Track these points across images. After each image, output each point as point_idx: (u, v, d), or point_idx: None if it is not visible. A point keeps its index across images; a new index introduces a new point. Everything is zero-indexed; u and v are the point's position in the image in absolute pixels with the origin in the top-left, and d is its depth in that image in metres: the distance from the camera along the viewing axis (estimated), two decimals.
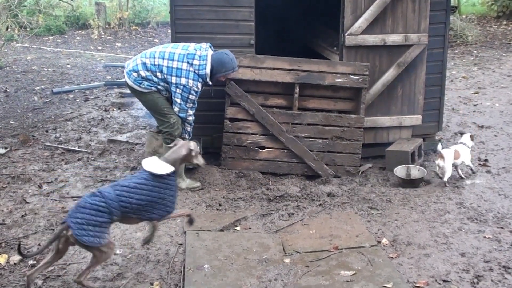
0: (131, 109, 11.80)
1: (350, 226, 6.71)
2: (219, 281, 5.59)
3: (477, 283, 5.54)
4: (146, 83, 7.42)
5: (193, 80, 7.30)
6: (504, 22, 23.29)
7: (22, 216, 7.02)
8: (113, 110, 11.80)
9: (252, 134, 8.24)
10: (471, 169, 8.24)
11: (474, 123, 10.51)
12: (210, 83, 7.50)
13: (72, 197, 7.59)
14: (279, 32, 11.85)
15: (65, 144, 9.67)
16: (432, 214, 6.99)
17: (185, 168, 7.90)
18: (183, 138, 7.43)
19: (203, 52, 7.37)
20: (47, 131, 10.43)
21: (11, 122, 11.04)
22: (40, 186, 7.91)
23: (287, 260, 5.97)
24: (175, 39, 8.23)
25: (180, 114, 7.53)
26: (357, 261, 5.90)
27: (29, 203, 7.42)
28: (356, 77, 8.23)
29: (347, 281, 5.55)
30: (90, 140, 9.90)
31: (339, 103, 8.44)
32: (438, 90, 9.06)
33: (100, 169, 8.56)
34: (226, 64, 7.47)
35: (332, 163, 8.28)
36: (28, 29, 17.99)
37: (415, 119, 8.79)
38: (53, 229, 6.64)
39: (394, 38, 8.45)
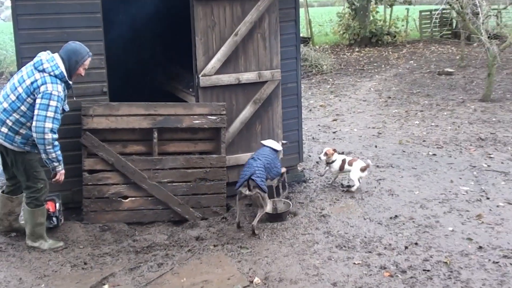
0: None
1: (221, 269, 6.61)
2: None
3: None
4: (18, 139, 6.78)
5: (52, 83, 6.62)
6: (356, 49, 24.35)
7: None
8: None
9: (113, 184, 8.00)
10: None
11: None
12: (71, 82, 6.97)
13: None
14: (134, 77, 11.67)
15: None
16: (301, 246, 7.02)
17: (46, 228, 7.54)
18: (53, 169, 7.03)
19: (48, 56, 6.79)
20: None
21: None
22: None
23: None
24: None
25: (36, 129, 6.57)
26: None
27: None
28: (214, 117, 8.20)
29: None
30: None
31: (200, 144, 8.37)
32: (296, 122, 9.20)
33: None
34: (79, 50, 6.99)
35: (198, 205, 8.17)
36: None
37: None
38: None
39: (248, 76, 8.52)
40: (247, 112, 8.59)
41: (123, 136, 8.10)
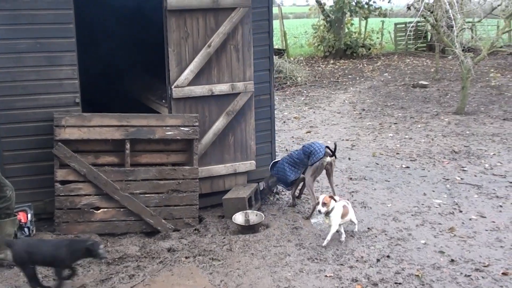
0: None
1: (193, 281, 6.60)
2: None
3: None
4: None
5: None
6: (331, 61, 24.47)
7: None
8: None
9: (86, 195, 7.96)
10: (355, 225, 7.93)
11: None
12: None
13: None
14: (108, 87, 11.64)
15: None
16: (273, 259, 7.03)
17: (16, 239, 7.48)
18: None
19: None
20: None
21: None
22: None
23: None
24: None
25: None
26: None
27: None
28: (187, 129, 8.21)
29: None
30: None
31: (172, 155, 8.37)
32: (269, 134, 9.23)
33: None
34: None
35: (170, 217, 8.16)
36: None
37: (249, 165, 8.89)
38: None
39: (221, 88, 8.54)
40: (220, 123, 8.61)
41: (95, 147, 8.08)
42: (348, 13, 26.08)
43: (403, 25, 27.93)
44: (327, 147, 8.65)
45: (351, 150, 11.78)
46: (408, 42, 27.21)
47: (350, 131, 13.52)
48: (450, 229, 7.80)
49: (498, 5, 17.56)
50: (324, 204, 7.37)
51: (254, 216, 8.15)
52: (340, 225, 7.48)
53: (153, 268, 6.99)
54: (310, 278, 6.53)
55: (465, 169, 10.43)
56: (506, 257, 6.95)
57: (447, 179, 9.88)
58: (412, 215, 8.34)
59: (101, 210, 7.99)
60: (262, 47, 8.94)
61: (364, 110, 15.83)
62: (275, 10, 25.86)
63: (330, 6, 26.11)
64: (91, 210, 7.95)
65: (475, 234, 7.65)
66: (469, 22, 19.07)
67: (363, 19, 27.70)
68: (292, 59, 24.24)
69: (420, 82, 19.04)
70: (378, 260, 6.92)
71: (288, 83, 20.02)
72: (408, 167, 10.64)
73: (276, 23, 24.34)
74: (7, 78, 7.81)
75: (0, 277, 6.78)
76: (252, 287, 6.37)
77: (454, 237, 7.57)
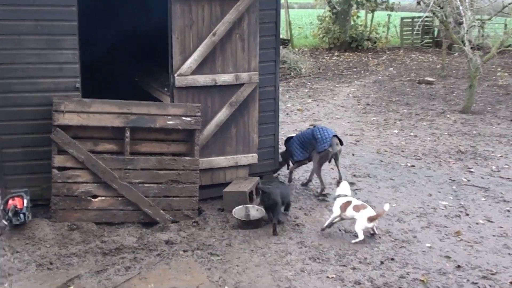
0: None
1: (190, 276, 6.42)
2: None
3: None
4: None
5: None
6: (336, 54, 24.21)
7: None
8: None
9: (83, 182, 7.77)
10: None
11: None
12: None
13: None
14: (110, 74, 11.41)
15: None
16: (273, 256, 6.84)
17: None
18: None
19: None
20: None
21: None
22: None
23: None
24: None
25: None
26: None
27: None
28: (188, 119, 8.00)
29: None
30: None
31: (173, 145, 8.16)
32: (273, 127, 9.02)
33: None
34: None
35: (169, 208, 7.97)
36: None
37: (251, 158, 8.69)
38: None
39: (225, 78, 8.33)
40: (222, 114, 8.40)
41: (94, 134, 7.88)
42: (355, 6, 25.80)
43: (410, 20, 27.62)
44: (336, 135, 8.71)
45: (355, 146, 11.56)
46: (415, 37, 26.91)
47: (354, 126, 13.31)
48: (457, 233, 7.59)
49: (510, 3, 17.25)
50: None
51: (254, 211, 7.95)
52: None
53: (150, 260, 6.81)
54: (312, 278, 6.34)
55: (471, 170, 10.21)
56: None
57: (453, 180, 9.67)
58: (417, 216, 8.14)
59: (99, 198, 7.80)
60: (268, 37, 8.72)
61: (368, 104, 15.60)
62: None
63: None
64: (88, 198, 7.77)
65: (482, 239, 7.44)
66: (478, 19, 18.79)
67: (370, 12, 27.38)
68: (296, 49, 23.98)
69: (426, 78, 18.79)
70: (382, 263, 6.72)
71: (292, 74, 19.77)
72: (413, 165, 10.42)
73: (281, 13, 24.09)
74: (6, 60, 7.61)
75: None
76: (251, 286, 6.18)
77: (460, 242, 7.36)
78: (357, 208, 7.35)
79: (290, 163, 9.45)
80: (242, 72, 8.41)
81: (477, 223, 7.93)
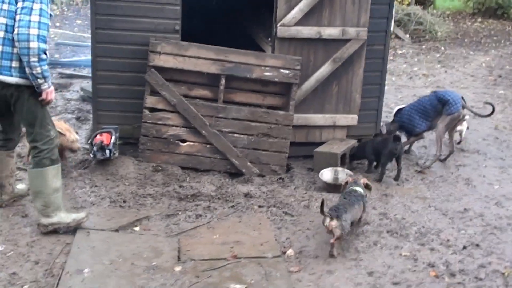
0: (67, 90, 11.20)
1: (258, 233, 6.20)
2: None
3: None
4: (16, 67, 5.52)
5: None
6: (479, 19, 22.85)
7: None
8: None
9: (173, 126, 7.71)
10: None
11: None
12: None
13: None
14: (226, 22, 11.28)
15: None
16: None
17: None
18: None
19: None
20: None
21: None
22: None
23: (177, 269, 5.43)
24: (95, 22, 7.65)
25: (19, 36, 5.30)
26: (252, 274, 5.38)
27: None
28: (287, 72, 7.70)
29: None
30: None
31: (268, 98, 7.91)
32: (378, 89, 8.52)
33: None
34: None
35: (257, 161, 7.77)
36: None
37: (351, 119, 8.28)
38: None
39: (331, 32, 7.92)
40: (324, 70, 8.02)
41: (189, 79, 7.75)
42: None
43: None
44: (462, 97, 8.33)
45: (473, 119, 10.75)
46: None
47: (479, 98, 12.43)
48: None
49: None
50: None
51: (343, 175, 7.59)
52: None
53: (223, 211, 6.66)
54: (383, 253, 5.93)
55: None
56: None
57: None
58: None
59: (187, 143, 7.72)
60: None
61: (500, 76, 14.54)
62: None
63: None
64: (176, 141, 7.70)
65: None
66: None
67: None
68: (436, 11, 22.82)
69: None
70: (464, 247, 6.16)
71: (427, 37, 18.82)
72: None
73: None
74: None
75: (71, 194, 6.69)
76: (317, 252, 5.87)
77: None
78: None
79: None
80: (350, 26, 7.96)
81: None
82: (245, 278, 5.32)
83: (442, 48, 17.65)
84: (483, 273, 5.70)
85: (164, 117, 7.65)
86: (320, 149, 7.94)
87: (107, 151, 7.40)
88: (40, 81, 5.45)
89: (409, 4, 20.97)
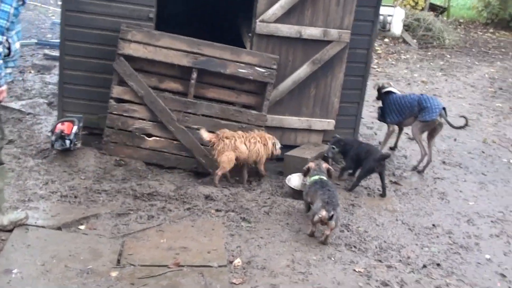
0: (48, 73, 10.89)
1: (208, 239, 5.85)
2: None
3: None
4: None
5: None
6: (491, 30, 22.39)
7: None
8: (30, 72, 10.86)
9: (139, 119, 7.37)
10: None
11: (406, 133, 9.56)
12: None
13: None
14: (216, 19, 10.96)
15: None
16: (306, 236, 6.11)
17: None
18: None
19: None
20: None
21: None
22: None
23: (113, 274, 5.10)
24: (65, 3, 7.36)
25: None
26: (191, 284, 5.06)
27: None
28: (263, 70, 7.35)
29: None
30: None
31: (242, 96, 7.57)
32: (358, 94, 8.15)
33: None
34: None
35: None
36: None
37: (327, 124, 7.92)
38: None
39: (312, 32, 7.56)
40: (302, 71, 7.66)
41: (160, 70, 7.42)
42: None
43: None
44: (444, 108, 8.19)
45: (463, 131, 10.35)
46: None
47: (473, 109, 12.05)
48: None
49: None
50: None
51: None
52: None
53: (177, 213, 6.33)
54: (335, 268, 5.59)
55: None
56: None
57: None
58: (492, 221, 7.10)
59: (153, 138, 7.39)
60: None
61: (501, 89, 14.11)
62: None
63: None
64: (142, 135, 7.37)
65: None
66: None
67: None
68: (448, 19, 22.34)
69: None
70: (424, 266, 5.84)
71: (435, 43, 18.38)
72: None
73: None
74: None
75: (19, 186, 6.36)
76: (265, 263, 5.53)
77: None
78: None
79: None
80: (332, 28, 7.61)
81: None
82: None
83: (448, 56, 17.23)
84: None
85: (130, 109, 7.32)
86: (291, 153, 7.60)
87: (67, 141, 7.07)
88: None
89: (422, 9, 20.47)
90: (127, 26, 7.18)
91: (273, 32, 7.48)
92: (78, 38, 7.33)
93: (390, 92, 8.59)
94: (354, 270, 5.58)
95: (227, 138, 7.02)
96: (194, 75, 7.30)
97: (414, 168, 8.25)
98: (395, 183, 7.78)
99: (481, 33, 21.72)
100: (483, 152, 9.50)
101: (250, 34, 8.01)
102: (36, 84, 10.11)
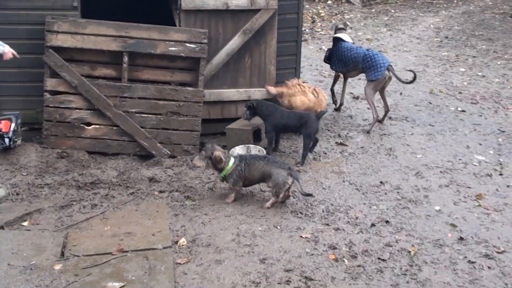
0: None
1: (153, 222, 5.85)
2: None
3: None
4: None
5: None
6: None
7: None
8: None
9: (76, 109, 7.30)
10: None
11: (351, 93, 9.59)
12: None
13: None
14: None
15: None
16: (252, 207, 6.16)
17: None
18: None
19: None
20: None
21: None
22: None
23: (57, 267, 5.08)
24: None
25: None
26: (135, 269, 5.04)
27: None
28: (193, 46, 7.29)
29: None
30: None
31: (177, 74, 7.51)
32: (293, 60, 8.14)
33: None
34: None
35: (168, 141, 7.39)
36: None
37: (266, 92, 7.88)
38: None
39: (239, 2, 7.52)
40: (234, 43, 7.63)
41: (91, 57, 7.34)
42: None
43: None
44: (390, 64, 8.30)
45: (409, 84, 10.41)
46: None
47: (420, 61, 12.12)
48: (477, 196, 6.54)
49: None
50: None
51: (256, 152, 7.22)
52: None
53: (121, 199, 6.32)
54: (282, 236, 5.60)
55: None
56: None
57: (503, 131, 8.46)
58: (440, 172, 7.15)
59: (93, 126, 7.33)
60: None
61: (447, 37, 14.21)
62: None
63: None
64: (81, 125, 7.31)
65: (505, 206, 6.35)
66: None
67: None
68: None
69: None
70: (373, 225, 5.87)
71: (378, 0, 18.40)
72: (463, 111, 9.26)
73: None
74: None
75: None
76: (210, 239, 5.54)
77: (477, 208, 6.32)
78: None
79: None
80: None
81: (508, 186, 6.84)
82: (126, 274, 4.98)
83: (392, 10, 17.30)
84: (388, 252, 5.42)
85: (66, 100, 7.25)
86: (232, 125, 7.58)
87: (6, 140, 6.99)
88: None
89: None
90: (52, 18, 7.08)
91: (200, 6, 7.42)
92: (6, 35, 7.14)
93: (340, 40, 8.60)
94: (301, 236, 5.60)
95: (299, 85, 7.40)
96: (126, 59, 7.24)
97: (367, 132, 8.23)
98: (341, 144, 7.80)
99: None
100: (430, 103, 9.57)
101: (178, 11, 7.93)
102: None
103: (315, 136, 7.26)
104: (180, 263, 5.16)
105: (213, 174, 6.80)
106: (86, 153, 7.29)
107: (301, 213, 6.04)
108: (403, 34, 14.58)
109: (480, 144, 7.99)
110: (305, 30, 14.57)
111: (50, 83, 7.19)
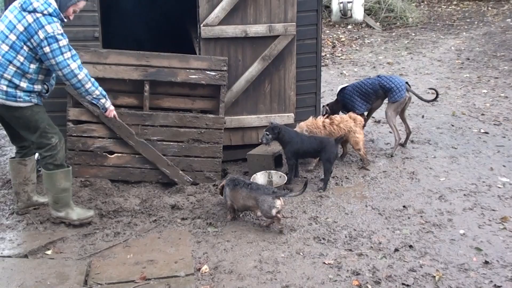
0: None
1: (175, 249, 5.86)
2: None
3: None
4: (20, 93, 5.86)
5: (49, 24, 5.69)
6: (454, 2, 22.42)
7: None
8: None
9: (99, 137, 7.36)
10: None
11: (373, 117, 9.58)
12: (65, 19, 6.02)
13: None
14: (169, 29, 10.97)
15: None
16: (274, 233, 6.13)
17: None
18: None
19: None
20: None
21: None
22: None
23: None
24: None
25: (67, 76, 5.89)
26: None
27: None
28: (213, 73, 7.34)
29: None
30: None
31: (198, 101, 7.56)
32: (313, 85, 8.16)
33: None
34: None
35: (190, 168, 7.42)
36: None
37: (286, 118, 7.91)
38: None
39: (257, 29, 7.57)
40: (254, 69, 7.67)
41: (113, 87, 7.39)
42: None
43: None
44: (407, 82, 8.28)
45: (431, 106, 10.42)
46: None
47: (441, 83, 12.08)
48: (502, 219, 6.46)
49: None
50: None
51: (277, 178, 7.23)
52: None
53: (144, 227, 6.33)
54: (304, 263, 5.58)
55: None
56: None
57: None
58: (464, 194, 7.07)
59: (115, 155, 7.37)
60: None
61: (468, 59, 14.15)
62: None
63: None
64: (104, 153, 7.35)
65: None
66: None
67: None
68: None
69: None
70: (396, 250, 5.81)
71: (398, 23, 18.45)
72: (487, 132, 9.17)
73: None
74: None
75: None
76: (232, 266, 5.53)
77: (502, 230, 6.22)
78: None
79: None
80: (277, 22, 7.61)
81: None
82: None
83: (412, 34, 17.29)
84: (412, 278, 5.36)
85: (89, 129, 7.32)
86: (253, 151, 7.60)
87: None
88: (102, 100, 6.23)
89: None
90: (76, 48, 7.14)
91: (219, 34, 7.48)
92: None
93: (343, 88, 8.58)
94: (324, 262, 5.57)
95: (353, 119, 7.81)
96: (147, 87, 7.30)
97: (391, 156, 8.20)
98: (363, 168, 7.76)
99: (444, 7, 21.75)
100: (453, 125, 9.50)
101: (198, 40, 8.01)
102: None
103: (334, 160, 7.22)
104: None
105: None
106: (109, 182, 7.32)
107: (323, 239, 6.01)
108: (424, 57, 14.55)
109: (504, 166, 7.90)
110: (325, 55, 14.63)
111: (73, 113, 7.27)
